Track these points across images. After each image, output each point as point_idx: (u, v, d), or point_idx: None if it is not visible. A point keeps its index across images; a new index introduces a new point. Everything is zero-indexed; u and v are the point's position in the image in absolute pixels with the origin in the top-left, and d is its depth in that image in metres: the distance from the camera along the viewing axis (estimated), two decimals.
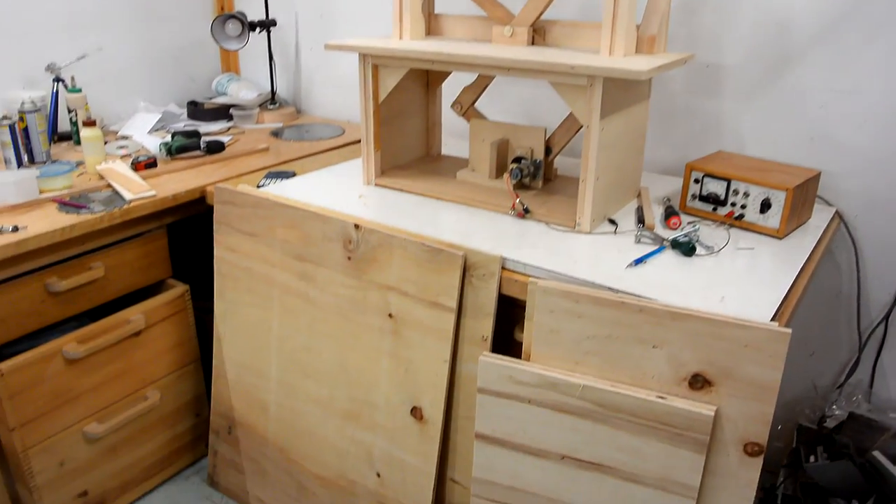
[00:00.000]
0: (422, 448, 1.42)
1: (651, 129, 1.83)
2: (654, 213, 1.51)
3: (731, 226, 1.44)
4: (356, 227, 1.43)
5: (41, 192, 1.70)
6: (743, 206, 1.41)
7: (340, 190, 1.69)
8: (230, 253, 1.69)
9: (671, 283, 1.20)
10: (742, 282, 1.20)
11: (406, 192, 1.66)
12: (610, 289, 1.18)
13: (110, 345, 1.66)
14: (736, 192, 1.42)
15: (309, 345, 1.57)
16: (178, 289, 1.80)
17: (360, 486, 1.55)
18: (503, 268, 1.29)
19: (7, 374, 1.48)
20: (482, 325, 1.32)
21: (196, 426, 1.94)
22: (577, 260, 1.28)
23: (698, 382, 1.07)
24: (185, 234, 2.06)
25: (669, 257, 1.30)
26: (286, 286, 1.59)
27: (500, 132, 1.65)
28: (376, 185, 1.72)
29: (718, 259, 1.29)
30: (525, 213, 1.47)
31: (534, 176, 1.62)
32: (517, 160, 1.60)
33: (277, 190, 1.71)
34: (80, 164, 1.92)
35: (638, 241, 1.36)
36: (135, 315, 1.70)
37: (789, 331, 1.00)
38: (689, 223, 1.45)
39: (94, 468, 1.70)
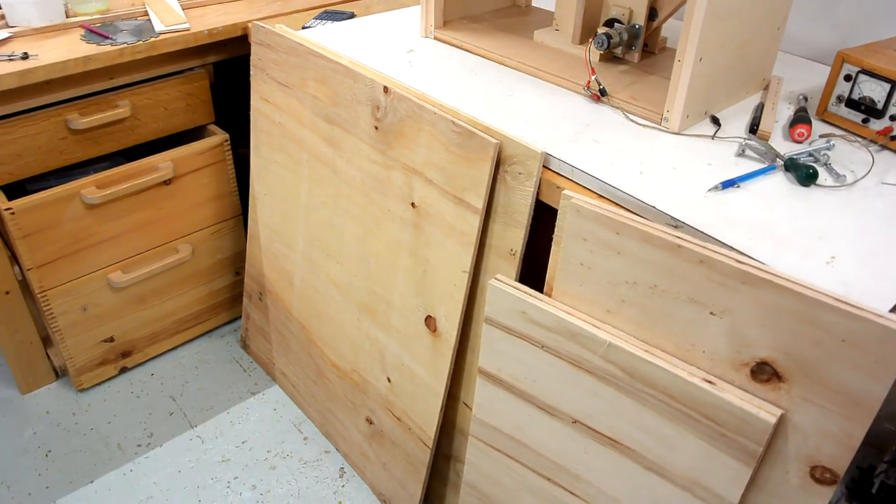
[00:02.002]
0: (433, 363, 1.21)
1: None
2: (780, 117, 1.11)
3: (885, 148, 1.03)
4: (385, 90, 1.16)
5: (73, 14, 1.53)
6: None
7: (394, 40, 1.40)
8: (265, 104, 1.48)
9: (767, 222, 0.85)
10: (873, 237, 0.84)
11: (465, 50, 1.34)
12: (673, 219, 0.85)
13: (134, 192, 1.53)
14: None
15: (332, 221, 1.37)
16: (216, 137, 1.63)
17: (371, 386, 1.39)
18: (545, 167, 0.99)
19: (19, 214, 1.40)
20: (512, 235, 1.04)
21: (236, 284, 1.84)
22: (646, 170, 0.95)
23: (765, 374, 0.76)
24: (240, 78, 1.86)
25: (778, 183, 0.93)
26: (315, 151, 1.36)
27: None
28: (435, 38, 1.40)
29: (850, 195, 0.91)
30: (601, 95, 1.13)
31: (629, 46, 1.24)
32: (609, 23, 1.23)
33: (322, 34, 1.44)
34: None
35: (741, 154, 1.00)
36: (163, 162, 1.55)
37: None
38: (822, 136, 1.05)
39: (120, 316, 1.65)
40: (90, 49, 1.39)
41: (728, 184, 0.91)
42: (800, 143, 1.03)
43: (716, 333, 0.78)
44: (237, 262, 1.81)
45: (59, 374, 1.71)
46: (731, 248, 0.80)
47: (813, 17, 1.36)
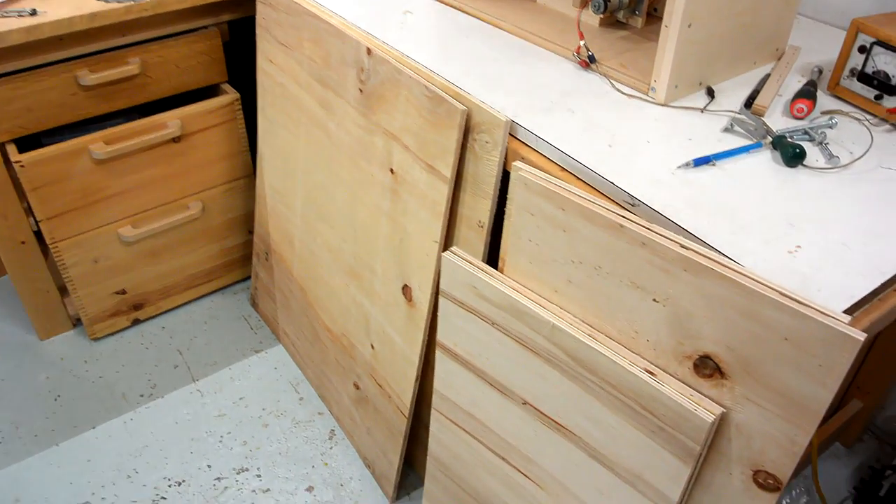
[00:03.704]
0: (409, 333, 1.19)
1: None
2: (788, 90, 1.02)
3: (895, 126, 0.93)
4: (368, 51, 1.12)
5: None
6: None
7: (393, 0, 1.35)
8: (269, 64, 1.47)
9: (734, 205, 0.78)
10: (849, 226, 0.76)
11: (462, 11, 1.28)
12: (631, 197, 0.79)
13: (143, 149, 1.55)
14: None
15: (326, 184, 1.35)
16: (227, 97, 1.63)
17: (358, 351, 1.38)
18: (513, 136, 0.94)
19: (28, 167, 1.43)
20: (481, 206, 1.00)
21: (249, 243, 1.86)
22: (617, 143, 0.88)
23: (708, 368, 0.70)
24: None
25: (760, 162, 0.85)
26: (311, 113, 1.34)
27: None
28: None
29: (839, 178, 0.83)
30: (589, 62, 1.06)
31: (632, 10, 1.16)
32: None
33: None
34: None
35: (728, 129, 0.92)
36: (172, 120, 1.56)
37: (862, 337, 0.59)
38: (825, 113, 0.96)
39: (132, 270, 1.69)
40: (97, 6, 1.40)
41: (701, 161, 0.84)
42: (799, 119, 0.94)
43: (659, 322, 0.72)
44: (249, 221, 1.83)
45: (75, 323, 1.77)
46: (687, 231, 0.74)
47: None
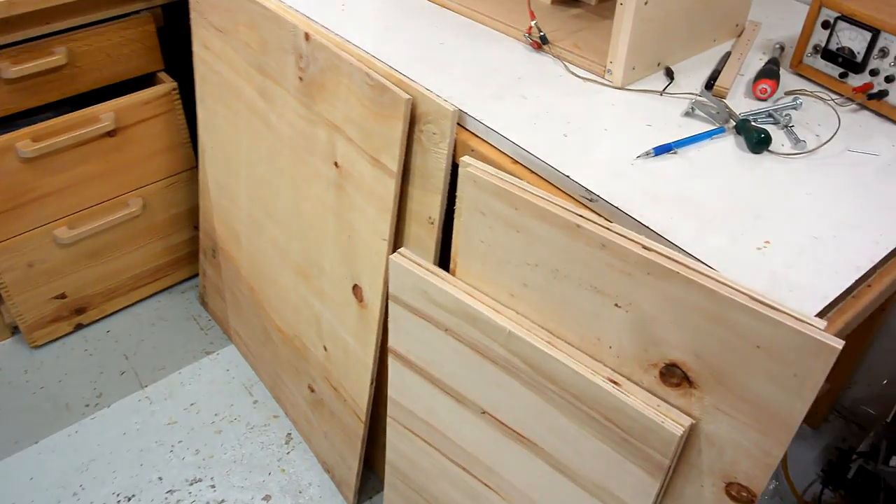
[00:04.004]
0: (362, 335, 1.13)
1: None
2: (750, 70, 0.97)
3: (863, 106, 0.88)
4: (306, 37, 1.04)
5: None
6: (890, 80, 0.85)
7: None
8: (205, 51, 1.37)
9: (698, 197, 0.73)
10: (820, 218, 0.71)
11: None
12: (588, 192, 0.73)
13: (75, 145, 1.45)
14: (884, 53, 0.84)
15: (270, 179, 1.27)
16: (164, 86, 1.53)
17: (311, 353, 1.31)
18: (462, 126, 0.87)
19: None
20: (430, 201, 0.94)
21: (195, 239, 1.77)
22: (573, 131, 0.83)
23: (675, 377, 0.65)
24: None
25: (724, 149, 0.80)
26: (251, 103, 1.26)
27: None
28: None
29: (807, 164, 0.78)
30: (541, 43, 0.99)
31: None
32: None
33: None
34: None
35: (689, 113, 0.86)
36: (105, 113, 1.46)
37: (840, 345, 0.54)
38: (789, 94, 0.91)
39: (71, 273, 1.59)
40: None
41: (662, 149, 0.78)
42: (763, 100, 0.89)
43: (621, 328, 0.67)
44: (194, 216, 1.73)
45: (13, 331, 1.67)
46: (649, 228, 0.69)
47: None
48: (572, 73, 0.95)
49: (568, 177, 0.75)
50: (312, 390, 1.36)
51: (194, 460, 1.42)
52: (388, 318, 0.90)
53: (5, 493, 1.36)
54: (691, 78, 0.94)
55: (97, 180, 1.52)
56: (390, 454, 1.06)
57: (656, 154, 0.78)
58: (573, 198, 0.76)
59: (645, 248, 0.62)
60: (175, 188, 1.66)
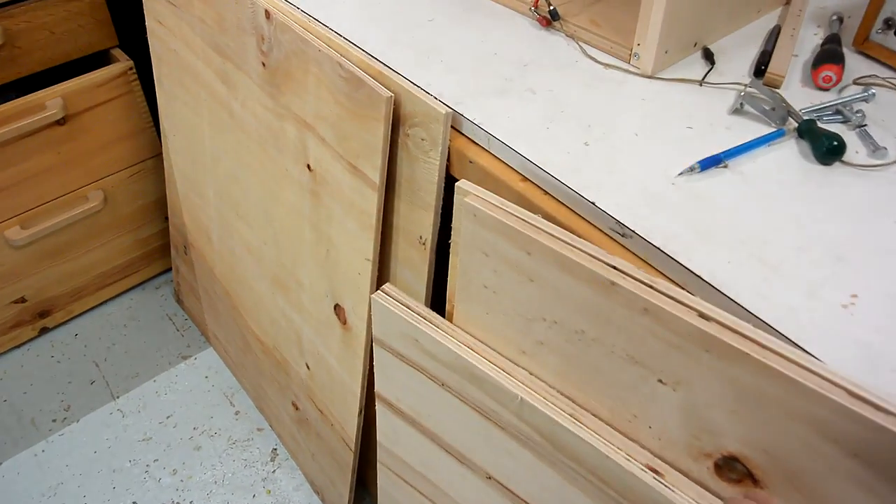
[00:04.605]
0: (347, 360, 0.99)
1: None
2: (804, 49, 0.80)
3: None
4: (267, 15, 0.87)
5: None
6: None
7: None
8: (159, 26, 1.19)
9: (758, 228, 0.57)
10: None
11: None
12: (619, 224, 0.58)
13: (20, 136, 1.27)
14: None
15: (237, 175, 1.11)
16: (118, 65, 1.35)
17: (293, 369, 1.17)
18: (457, 130, 0.71)
19: None
20: (420, 219, 0.78)
21: (167, 231, 1.61)
22: (595, 139, 0.66)
23: (735, 472, 0.51)
24: None
25: (787, 158, 0.64)
26: (211, 88, 1.09)
27: None
28: None
29: (890, 179, 0.62)
30: (550, 19, 0.82)
31: None
32: None
33: None
34: None
35: (737, 110, 0.70)
36: (51, 99, 1.29)
37: None
38: (858, 82, 0.74)
39: (30, 275, 1.44)
40: None
41: (709, 162, 0.62)
42: (826, 90, 0.73)
43: (666, 408, 0.53)
44: (165, 206, 1.57)
45: None
46: (701, 279, 0.53)
47: None
48: (590, 58, 0.78)
49: (593, 204, 0.59)
50: (297, 408, 1.22)
51: (171, 482, 1.30)
52: (374, 360, 0.75)
53: None
54: (735, 61, 0.77)
55: (49, 174, 1.35)
56: (382, 500, 0.93)
57: (702, 169, 0.62)
58: (600, 230, 0.60)
59: (702, 316, 0.47)
60: (140, 178, 1.49)
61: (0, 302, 1.43)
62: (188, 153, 1.27)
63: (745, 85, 0.72)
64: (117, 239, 1.54)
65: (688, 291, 0.54)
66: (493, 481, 0.70)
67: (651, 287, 0.49)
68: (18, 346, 1.52)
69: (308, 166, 0.90)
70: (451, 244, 0.62)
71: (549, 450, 0.60)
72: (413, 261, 0.82)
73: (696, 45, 0.78)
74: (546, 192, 0.64)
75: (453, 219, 0.61)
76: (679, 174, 0.62)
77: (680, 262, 0.54)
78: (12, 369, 1.48)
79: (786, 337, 0.49)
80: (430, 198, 0.75)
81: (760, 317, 0.50)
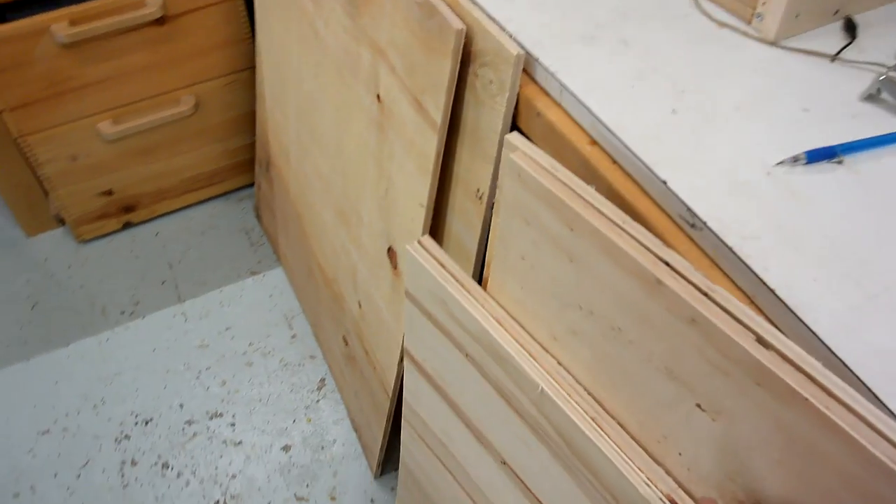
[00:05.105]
0: (394, 305, 0.94)
1: None
2: None
3: None
4: None
5: None
6: None
7: None
8: None
9: (868, 248, 0.47)
10: None
11: None
12: (689, 211, 0.49)
13: (119, 31, 1.28)
14: None
15: (316, 97, 1.07)
16: None
17: (347, 304, 1.15)
18: (529, 75, 0.63)
19: None
20: (480, 170, 0.71)
21: (254, 145, 1.61)
22: (686, 107, 0.56)
23: None
24: None
25: None
26: (301, 6, 1.04)
27: None
28: None
29: None
30: None
31: None
32: None
33: None
34: None
35: (871, 97, 0.58)
36: None
37: None
38: None
39: (118, 170, 1.47)
40: None
41: (821, 154, 0.51)
42: None
43: (701, 437, 0.44)
44: (254, 120, 1.56)
45: (60, 222, 1.60)
46: (775, 294, 0.44)
47: None
48: (703, 12, 0.66)
49: (665, 183, 0.50)
50: (347, 343, 1.20)
51: (219, 392, 1.32)
52: (405, 315, 0.70)
53: (29, 394, 1.31)
54: (882, 38, 0.63)
55: (144, 73, 1.36)
56: (405, 455, 0.89)
57: (810, 161, 0.51)
58: (669, 216, 0.51)
59: (760, 342, 0.38)
60: (233, 88, 1.48)
61: (89, 192, 1.48)
62: (277, 69, 1.24)
63: (889, 68, 0.59)
64: (206, 146, 1.55)
65: (755, 307, 0.45)
66: (507, 468, 0.64)
67: (705, 294, 0.40)
68: (102, 237, 1.58)
69: (378, 97, 0.84)
70: (495, 203, 0.55)
71: (566, 451, 0.53)
72: (468, 214, 0.75)
73: (837, 12, 0.65)
74: (615, 162, 0.55)
75: (499, 175, 0.53)
76: (779, 163, 0.51)
77: (752, 268, 0.45)
78: (94, 258, 1.54)
79: (866, 387, 0.39)
80: (491, 148, 0.67)
81: (839, 354, 0.40)
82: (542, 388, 0.53)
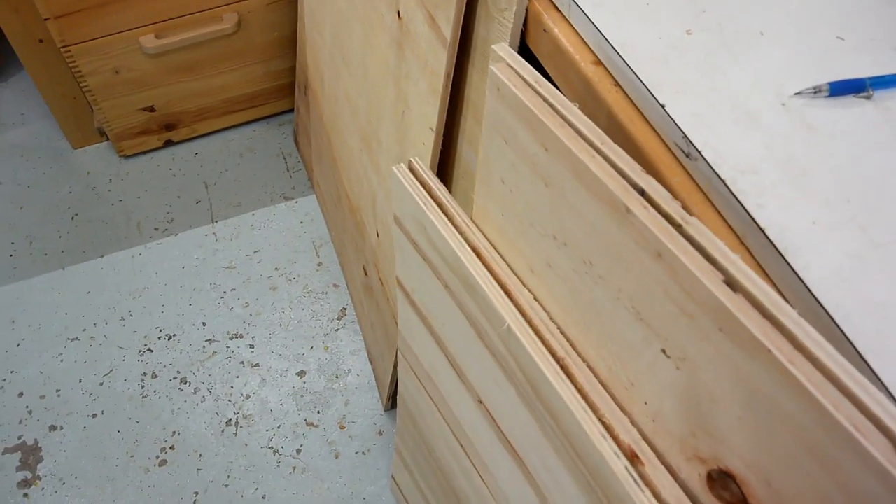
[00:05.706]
0: None
1: None
2: None
3: None
4: None
5: None
6: None
7: None
8: None
9: (875, 190, 0.41)
10: None
11: None
12: (685, 139, 0.43)
13: None
14: None
15: (347, 17, 1.03)
16: None
17: (367, 233, 1.13)
18: None
19: None
20: None
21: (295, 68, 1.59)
22: (703, 26, 0.50)
23: (728, 491, 0.38)
24: None
25: None
26: None
27: None
28: None
29: None
30: None
31: None
32: None
33: None
34: None
35: None
36: None
37: None
38: None
39: (160, 86, 1.48)
40: None
41: (846, 87, 0.45)
42: None
43: (665, 386, 0.40)
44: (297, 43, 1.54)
45: (102, 136, 1.62)
46: (765, 235, 0.39)
47: None
48: None
49: (663, 107, 0.45)
50: (366, 273, 1.19)
51: (241, 313, 1.33)
52: (394, 241, 0.67)
53: (62, 302, 1.35)
54: None
55: None
56: (401, 387, 0.88)
57: (833, 93, 0.45)
58: (665, 144, 0.46)
59: (729, 283, 0.34)
60: (276, 8, 1.45)
61: (131, 106, 1.49)
62: None
63: None
64: (248, 67, 1.53)
65: (745, 249, 0.40)
66: (483, 407, 0.61)
67: (675, 225, 0.36)
68: (143, 153, 1.60)
69: (398, 13, 0.79)
70: (484, 121, 0.51)
71: (531, 394, 0.50)
72: (477, 140, 0.71)
73: None
74: (616, 84, 0.50)
75: (487, 88, 0.49)
76: (797, 93, 0.45)
77: (744, 204, 0.39)
78: (133, 173, 1.56)
79: (851, 343, 0.34)
80: None
81: (824, 304, 0.35)
82: (509, 325, 0.49)
